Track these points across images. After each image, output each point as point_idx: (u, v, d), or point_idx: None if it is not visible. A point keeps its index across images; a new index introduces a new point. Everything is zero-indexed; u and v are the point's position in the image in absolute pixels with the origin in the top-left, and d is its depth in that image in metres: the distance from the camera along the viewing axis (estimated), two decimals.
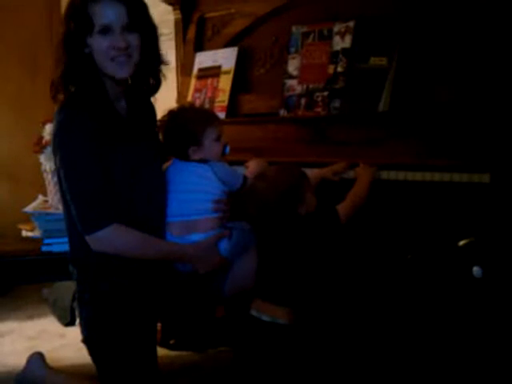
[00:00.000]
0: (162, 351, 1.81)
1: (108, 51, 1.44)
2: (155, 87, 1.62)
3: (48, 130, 2.03)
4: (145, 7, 1.51)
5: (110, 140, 1.46)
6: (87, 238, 1.44)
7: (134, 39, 1.46)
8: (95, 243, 1.45)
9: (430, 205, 1.61)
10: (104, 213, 1.43)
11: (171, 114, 1.67)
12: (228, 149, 1.68)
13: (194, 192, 1.61)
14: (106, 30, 1.42)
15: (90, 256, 1.48)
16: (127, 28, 1.44)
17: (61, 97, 1.48)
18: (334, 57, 1.88)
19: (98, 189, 1.43)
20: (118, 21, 1.42)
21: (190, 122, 1.63)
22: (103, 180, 1.43)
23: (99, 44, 1.43)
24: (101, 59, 1.45)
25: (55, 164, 1.48)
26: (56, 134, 1.45)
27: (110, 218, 1.44)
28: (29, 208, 2.12)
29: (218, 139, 1.64)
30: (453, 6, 1.70)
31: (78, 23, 1.41)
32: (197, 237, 1.59)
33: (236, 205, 1.69)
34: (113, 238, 1.45)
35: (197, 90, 2.30)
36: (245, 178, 1.65)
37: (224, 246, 1.62)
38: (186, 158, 1.64)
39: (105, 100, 1.48)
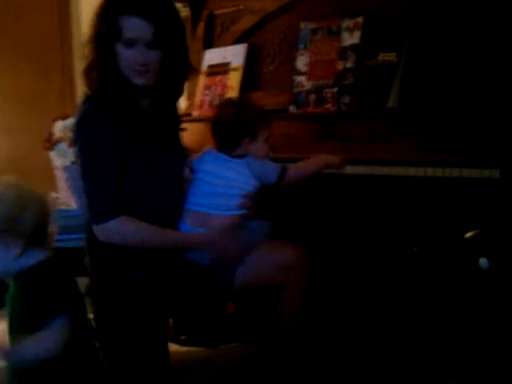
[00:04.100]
0: (173, 347, 1.82)
1: (129, 62, 1.49)
2: (178, 93, 1.67)
3: (59, 127, 2.05)
4: (175, 24, 1.55)
5: (131, 133, 1.50)
6: (95, 227, 1.47)
7: (155, 55, 1.50)
8: (102, 233, 1.48)
9: (437, 199, 1.62)
10: (114, 204, 1.46)
11: (231, 103, 1.70)
12: (271, 154, 1.71)
13: (223, 186, 1.61)
14: (130, 43, 1.47)
15: (104, 248, 1.51)
16: (149, 45, 1.48)
17: (86, 88, 1.53)
18: (342, 53, 1.88)
19: (111, 180, 1.46)
20: (143, 37, 1.47)
21: (252, 113, 1.65)
22: (118, 172, 1.46)
23: (123, 53, 1.48)
24: (123, 65, 1.50)
25: (75, 153, 1.52)
26: (77, 124, 1.49)
27: (119, 210, 1.46)
28: None
29: (267, 140, 1.66)
30: (463, 1, 1.69)
31: (109, 29, 1.47)
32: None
33: (266, 203, 1.70)
34: (120, 229, 1.48)
35: (206, 87, 2.31)
36: (283, 170, 1.64)
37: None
38: (229, 148, 1.64)
39: (129, 95, 1.53)
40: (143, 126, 1.53)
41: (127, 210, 1.48)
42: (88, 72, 1.54)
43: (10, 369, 1.34)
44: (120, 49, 1.48)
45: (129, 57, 1.48)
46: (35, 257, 1.33)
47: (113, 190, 1.46)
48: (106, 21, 1.47)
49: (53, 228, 1.41)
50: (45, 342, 1.26)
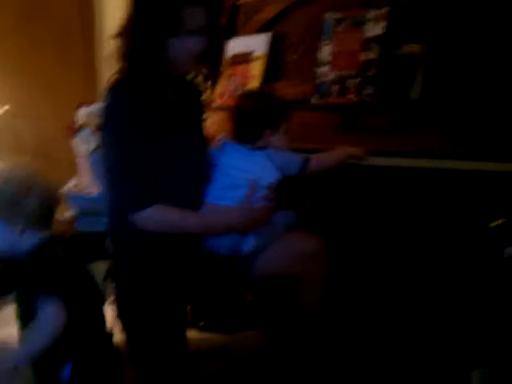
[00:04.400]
0: (191, 333, 1.84)
1: (188, 50, 1.47)
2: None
3: (83, 113, 2.07)
4: (221, 11, 1.55)
5: (159, 122, 1.49)
6: (131, 216, 1.47)
7: (208, 42, 1.50)
8: (138, 221, 1.48)
9: (460, 191, 1.61)
10: (148, 192, 1.47)
11: (252, 94, 1.71)
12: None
13: (243, 179, 1.60)
14: (191, 32, 1.46)
15: (126, 232, 1.53)
16: (205, 32, 1.48)
17: (114, 76, 1.52)
18: (366, 44, 1.88)
19: (146, 168, 1.46)
20: (201, 25, 1.46)
21: (273, 104, 1.65)
22: (151, 160, 1.47)
23: (181, 42, 1.46)
24: (181, 57, 1.49)
25: (102, 141, 1.52)
26: (107, 115, 1.49)
27: (153, 198, 1.47)
28: (63, 189, 2.17)
29: (287, 132, 1.67)
30: None
31: (169, 20, 1.44)
32: None
33: (290, 193, 1.70)
34: (155, 216, 1.48)
35: (229, 76, 2.32)
36: (305, 162, 1.65)
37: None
38: (249, 140, 1.65)
39: (161, 85, 1.52)
40: (170, 116, 1.53)
41: (160, 198, 1.48)
42: (118, 61, 1.51)
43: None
44: (176, 39, 1.45)
45: (188, 46, 1.47)
46: (34, 239, 1.35)
47: (148, 178, 1.46)
48: (168, 11, 1.44)
49: (60, 215, 1.44)
50: (39, 331, 1.27)
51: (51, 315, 1.27)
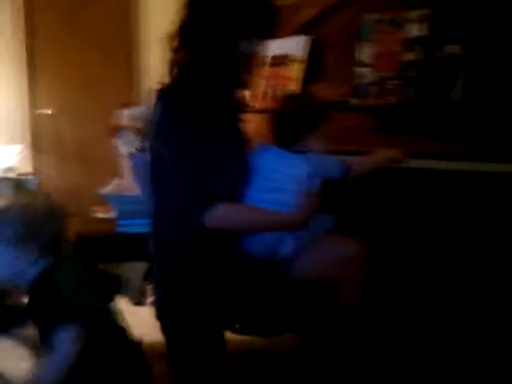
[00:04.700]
0: (227, 335, 1.85)
1: (256, 54, 1.54)
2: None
3: (125, 115, 2.11)
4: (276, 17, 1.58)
5: (217, 124, 1.52)
6: (200, 216, 1.48)
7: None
8: (207, 221, 1.49)
9: (500, 194, 1.58)
10: (213, 192, 1.48)
11: (291, 98, 1.72)
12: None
13: (283, 181, 1.61)
14: (250, 36, 1.50)
15: (169, 235, 1.56)
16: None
17: (166, 80, 1.53)
18: (407, 44, 1.85)
19: (207, 169, 1.47)
20: (260, 27, 1.51)
21: (312, 108, 1.65)
22: (211, 161, 1.48)
23: (253, 46, 1.52)
24: (246, 59, 1.53)
25: (155, 143, 1.52)
26: (164, 117, 1.49)
27: (217, 196, 1.48)
28: (105, 190, 2.22)
29: (325, 135, 1.66)
30: None
31: (244, 23, 1.48)
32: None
33: (330, 198, 1.69)
34: (224, 215, 1.50)
35: (267, 78, 2.32)
36: (345, 166, 1.64)
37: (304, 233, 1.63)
38: (288, 143, 1.65)
39: (219, 90, 1.54)
40: (224, 117, 1.56)
41: (224, 196, 1.50)
42: (170, 66, 1.53)
43: None
44: (247, 41, 1.49)
45: (255, 48, 1.52)
46: (40, 268, 1.33)
47: (211, 177, 1.48)
48: (244, 12, 1.47)
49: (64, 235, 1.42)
50: (55, 360, 1.26)
51: (67, 343, 1.26)
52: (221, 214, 1.49)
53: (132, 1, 3.80)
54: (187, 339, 1.58)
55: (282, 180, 1.61)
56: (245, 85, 1.62)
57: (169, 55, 1.54)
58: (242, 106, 1.72)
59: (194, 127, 1.47)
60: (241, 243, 1.65)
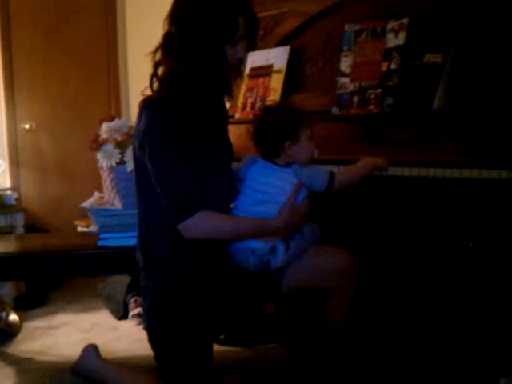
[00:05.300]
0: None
1: (235, 59, 1.53)
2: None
3: (105, 128, 2.09)
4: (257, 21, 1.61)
5: (204, 132, 1.52)
6: (178, 226, 1.48)
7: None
8: (186, 230, 1.49)
9: (485, 199, 1.59)
10: (192, 201, 1.47)
11: (270, 109, 1.71)
12: (316, 153, 1.70)
13: (272, 194, 1.61)
14: (236, 41, 1.52)
15: (157, 245, 1.55)
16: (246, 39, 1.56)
17: (152, 91, 1.55)
18: (387, 54, 1.87)
19: (189, 178, 1.47)
20: (243, 32, 1.53)
21: (290, 115, 1.65)
22: (193, 169, 1.48)
23: (231, 51, 1.52)
24: (233, 65, 1.54)
25: (142, 155, 1.51)
26: (148, 127, 1.48)
27: (197, 206, 1.48)
28: (85, 204, 2.19)
29: (311, 139, 1.66)
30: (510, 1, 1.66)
31: (226, 28, 1.49)
32: (255, 244, 1.61)
33: (314, 208, 1.69)
34: (201, 223, 1.49)
35: (248, 89, 2.33)
36: (331, 177, 1.64)
37: (294, 242, 1.63)
38: (274, 155, 1.65)
39: (208, 97, 1.55)
40: (212, 126, 1.56)
41: (204, 205, 1.50)
42: (154, 78, 1.55)
43: None
44: (231, 46, 1.51)
45: (239, 52, 1.53)
46: None
47: (189, 188, 1.47)
48: (226, 17, 1.47)
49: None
50: None
51: None
52: (199, 223, 1.48)
53: (111, 16, 3.83)
54: (175, 349, 1.56)
55: (272, 193, 1.62)
56: (230, 93, 1.61)
57: (152, 68, 1.54)
58: (228, 115, 1.72)
59: (180, 136, 1.46)
60: (230, 254, 1.64)
